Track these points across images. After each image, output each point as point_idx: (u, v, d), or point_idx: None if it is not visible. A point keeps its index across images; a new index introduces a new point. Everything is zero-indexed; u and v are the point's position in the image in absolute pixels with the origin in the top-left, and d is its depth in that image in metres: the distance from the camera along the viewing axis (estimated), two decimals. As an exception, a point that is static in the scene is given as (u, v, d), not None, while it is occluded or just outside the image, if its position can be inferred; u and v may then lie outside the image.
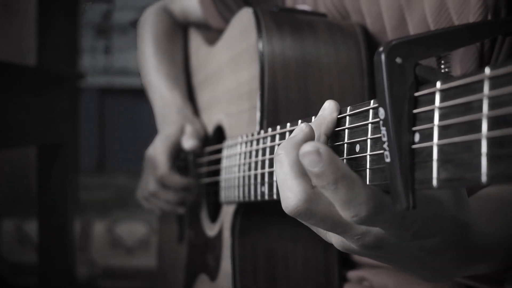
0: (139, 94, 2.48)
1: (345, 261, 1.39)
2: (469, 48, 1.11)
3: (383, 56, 0.65)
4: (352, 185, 0.71)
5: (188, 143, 1.61)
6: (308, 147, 0.72)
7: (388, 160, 0.67)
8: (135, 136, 4.90)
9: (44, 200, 2.73)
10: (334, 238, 0.85)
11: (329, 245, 1.34)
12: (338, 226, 0.77)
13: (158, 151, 1.63)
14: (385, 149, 0.67)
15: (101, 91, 5.88)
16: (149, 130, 1.93)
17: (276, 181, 1.04)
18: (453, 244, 0.82)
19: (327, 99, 1.25)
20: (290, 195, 0.77)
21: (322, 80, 1.30)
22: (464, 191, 0.81)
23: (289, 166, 0.78)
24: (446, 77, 0.63)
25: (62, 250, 2.76)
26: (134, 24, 2.07)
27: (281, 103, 1.27)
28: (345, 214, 0.73)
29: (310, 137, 0.82)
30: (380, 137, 0.72)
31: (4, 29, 3.74)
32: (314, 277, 1.35)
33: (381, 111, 0.66)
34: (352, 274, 1.38)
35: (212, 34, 1.79)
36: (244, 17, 1.39)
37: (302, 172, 0.77)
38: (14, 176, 4.11)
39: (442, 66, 0.69)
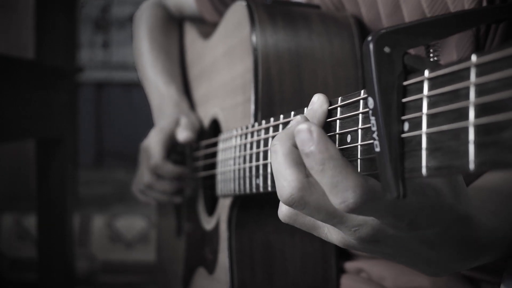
0: (137, 88, 2.49)
1: (343, 252, 1.39)
2: (465, 33, 1.11)
3: (371, 46, 0.65)
4: (339, 169, 0.71)
5: (183, 135, 1.61)
6: (302, 125, 0.74)
7: (377, 149, 0.67)
8: (133, 131, 4.90)
9: (43, 195, 2.73)
10: (334, 236, 0.84)
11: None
12: (333, 216, 0.77)
13: (152, 142, 1.63)
14: (374, 139, 0.67)
15: (99, 85, 5.89)
16: (147, 125, 1.93)
17: (271, 172, 1.05)
18: (453, 237, 0.81)
19: (322, 91, 1.25)
20: (285, 184, 0.77)
21: (316, 72, 1.30)
22: (462, 181, 0.80)
23: (283, 156, 0.78)
24: (435, 66, 0.63)
25: (61, 245, 2.76)
26: (132, 19, 2.07)
27: (275, 96, 1.27)
28: (333, 200, 0.72)
29: None
30: (370, 127, 0.72)
31: (2, 23, 3.73)
32: (311, 269, 1.35)
33: (370, 101, 0.66)
34: (349, 265, 1.38)
35: (207, 28, 1.79)
36: (238, 10, 1.39)
37: (297, 161, 0.78)
38: (13, 171, 4.11)
39: (431, 55, 0.69)
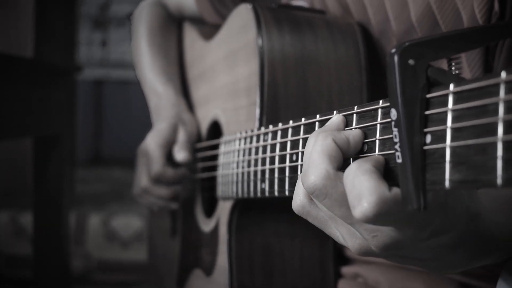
0: (135, 86, 2.49)
1: (339, 256, 1.40)
2: None
3: (396, 58, 0.65)
4: (363, 170, 0.72)
5: (180, 155, 1.61)
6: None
7: (399, 160, 0.67)
8: (131, 129, 4.89)
9: (39, 193, 2.72)
10: (350, 242, 0.83)
11: (325, 241, 1.35)
12: (352, 215, 0.76)
13: (150, 148, 1.63)
14: (396, 150, 0.67)
15: (97, 83, 5.88)
16: (145, 123, 1.93)
17: (278, 177, 1.05)
18: (469, 237, 0.82)
19: (326, 96, 1.25)
20: (312, 170, 0.78)
21: (321, 77, 1.30)
22: None
23: (321, 145, 0.79)
24: (458, 79, 0.63)
25: (57, 242, 2.76)
26: (130, 17, 2.06)
27: (281, 100, 1.27)
28: (351, 201, 0.72)
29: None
30: (389, 137, 0.73)
31: (1, 21, 3.72)
32: (310, 272, 1.36)
33: (393, 112, 0.67)
34: (346, 270, 1.39)
35: (208, 29, 1.79)
36: (243, 13, 1.39)
37: (331, 154, 0.79)
38: (10, 168, 4.10)
39: (453, 68, 0.69)
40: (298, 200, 0.87)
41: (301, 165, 0.97)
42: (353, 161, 0.82)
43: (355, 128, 0.83)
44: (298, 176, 0.89)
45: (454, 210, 0.76)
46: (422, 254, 0.82)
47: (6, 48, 3.65)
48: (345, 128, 0.85)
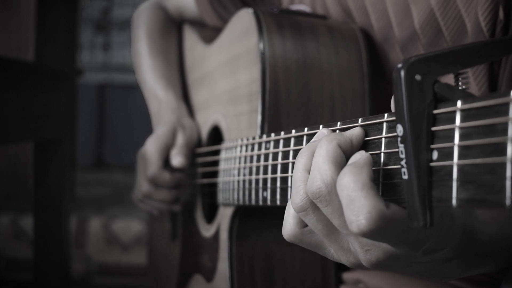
0: (137, 90, 2.49)
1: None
2: None
3: (402, 73, 0.65)
4: (362, 184, 0.71)
5: (176, 160, 1.60)
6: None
7: (405, 177, 0.66)
8: (132, 132, 4.90)
9: (40, 196, 2.72)
10: (343, 257, 0.84)
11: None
12: None
13: (148, 151, 1.62)
14: (402, 166, 0.66)
15: (99, 87, 5.88)
16: (147, 127, 1.92)
17: (281, 186, 1.04)
18: (462, 251, 0.82)
19: (328, 103, 1.24)
20: (318, 176, 0.77)
21: (323, 84, 1.29)
22: None
23: (326, 151, 0.78)
24: (465, 95, 0.62)
25: (57, 246, 2.76)
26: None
27: (282, 107, 1.26)
28: (348, 216, 0.72)
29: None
30: (395, 152, 0.72)
31: (3, 24, 3.72)
32: (311, 279, 1.35)
33: (400, 128, 0.66)
34: (347, 276, 1.38)
35: (208, 32, 1.78)
36: (244, 18, 1.38)
37: (336, 160, 0.78)
38: (10, 171, 4.10)
39: (460, 83, 0.68)
40: (289, 228, 0.87)
41: None
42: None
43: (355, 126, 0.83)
44: (288, 203, 0.89)
45: (449, 229, 0.76)
46: (413, 268, 0.83)
47: (7, 52, 3.65)
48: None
